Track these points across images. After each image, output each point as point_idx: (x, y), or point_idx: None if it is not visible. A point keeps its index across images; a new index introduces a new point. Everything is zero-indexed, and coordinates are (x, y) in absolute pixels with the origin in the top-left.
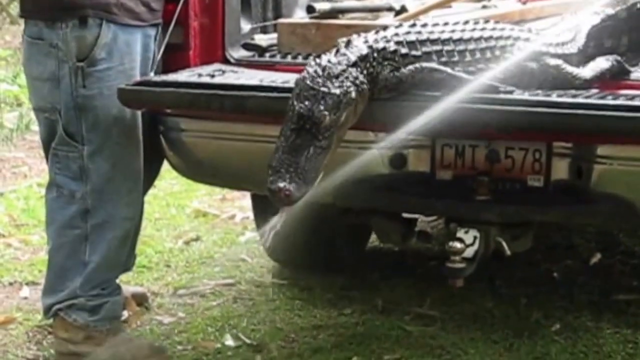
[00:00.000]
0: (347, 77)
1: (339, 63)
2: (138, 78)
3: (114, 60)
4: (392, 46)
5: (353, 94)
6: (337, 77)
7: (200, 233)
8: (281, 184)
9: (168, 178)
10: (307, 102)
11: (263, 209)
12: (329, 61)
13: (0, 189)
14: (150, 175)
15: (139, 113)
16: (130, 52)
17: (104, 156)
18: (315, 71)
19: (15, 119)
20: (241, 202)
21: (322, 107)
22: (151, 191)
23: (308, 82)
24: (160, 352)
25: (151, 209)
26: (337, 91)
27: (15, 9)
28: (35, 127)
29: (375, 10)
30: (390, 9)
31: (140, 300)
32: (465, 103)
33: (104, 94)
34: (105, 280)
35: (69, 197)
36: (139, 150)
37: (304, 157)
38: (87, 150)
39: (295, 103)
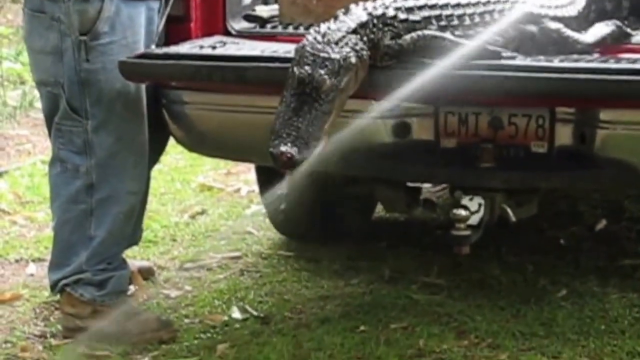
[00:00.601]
0: (346, 43)
1: (339, 30)
2: None
3: (117, 34)
4: (390, 12)
5: (353, 60)
6: (336, 43)
7: (205, 207)
8: (283, 148)
9: (173, 153)
10: (307, 67)
11: (268, 181)
12: (328, 28)
13: (4, 166)
14: (157, 150)
15: (143, 87)
16: (133, 26)
17: (108, 130)
18: (315, 38)
19: (19, 97)
20: (246, 176)
21: (322, 72)
22: (156, 166)
23: (308, 48)
24: (167, 326)
25: (156, 183)
26: (337, 56)
27: None
28: (38, 104)
29: None
30: None
31: (147, 274)
32: (468, 70)
33: (107, 68)
34: (111, 255)
35: (73, 171)
36: (143, 124)
37: (305, 121)
38: (91, 125)
39: (295, 69)
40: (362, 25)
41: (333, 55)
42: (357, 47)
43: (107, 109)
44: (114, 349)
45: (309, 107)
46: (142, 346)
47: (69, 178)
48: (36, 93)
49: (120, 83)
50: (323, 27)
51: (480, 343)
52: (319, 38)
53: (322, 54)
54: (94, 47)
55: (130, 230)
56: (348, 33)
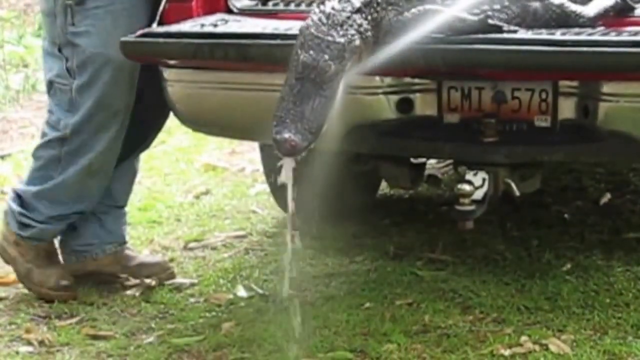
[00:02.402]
0: (351, 25)
1: (343, 10)
2: (133, 21)
3: (103, 0)
4: None
5: (357, 42)
6: (341, 25)
7: (210, 187)
8: (286, 135)
9: (177, 133)
10: (311, 52)
11: (272, 160)
12: (332, 8)
13: (8, 149)
14: (156, 126)
15: None
16: None
17: (90, 92)
18: (320, 19)
19: (21, 80)
20: (250, 155)
21: (326, 57)
22: (160, 147)
23: (312, 30)
24: (66, 289)
25: (161, 164)
26: (342, 40)
27: None
28: (41, 87)
29: None
30: None
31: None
32: (470, 44)
33: (91, 32)
34: (64, 212)
35: (55, 122)
36: (127, 91)
37: (309, 106)
38: (76, 84)
39: (299, 52)
40: (367, 4)
41: (338, 39)
42: (362, 29)
43: (91, 71)
44: (118, 329)
45: (313, 92)
46: (146, 325)
47: (51, 127)
48: (39, 76)
49: (104, 48)
50: (327, 6)
51: (486, 318)
52: (324, 19)
53: (327, 38)
54: (79, 11)
55: (94, 193)
56: (353, 13)
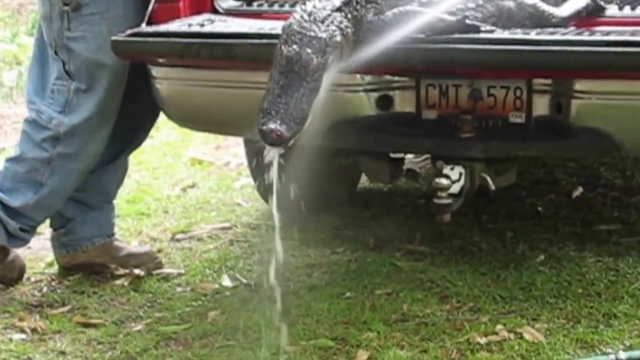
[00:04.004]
0: (332, 22)
1: (324, 8)
2: (127, 27)
3: (99, 7)
4: None
5: (338, 38)
6: (322, 21)
7: (196, 180)
8: (272, 125)
9: (165, 129)
10: (294, 46)
11: (256, 154)
12: (314, 7)
13: (2, 143)
14: (148, 125)
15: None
16: (116, 1)
17: (87, 95)
18: (302, 16)
19: (15, 77)
20: (235, 150)
21: (309, 51)
22: (149, 141)
23: (295, 26)
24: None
25: (149, 158)
26: (324, 35)
27: None
28: None
29: None
30: None
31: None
32: (449, 43)
33: (87, 37)
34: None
35: (46, 122)
36: (120, 93)
37: (294, 98)
38: (74, 86)
39: (283, 47)
40: (347, 3)
41: (320, 34)
42: (342, 25)
43: (88, 75)
44: (108, 317)
45: (296, 85)
46: (135, 314)
47: (40, 127)
48: None
49: (100, 53)
50: (309, 5)
51: (462, 307)
52: (306, 17)
53: (309, 33)
54: (75, 17)
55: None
56: (333, 11)
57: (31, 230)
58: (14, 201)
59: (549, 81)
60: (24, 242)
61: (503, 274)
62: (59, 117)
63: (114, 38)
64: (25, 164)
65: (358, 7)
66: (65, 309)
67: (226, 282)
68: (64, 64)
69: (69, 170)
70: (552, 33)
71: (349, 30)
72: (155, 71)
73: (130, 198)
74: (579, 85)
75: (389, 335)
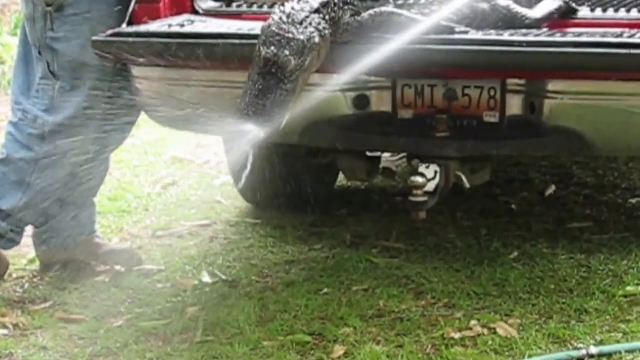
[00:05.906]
0: (310, 23)
1: (302, 10)
2: (110, 28)
3: (81, 7)
4: None
5: (316, 39)
6: (300, 23)
7: (176, 178)
8: (249, 125)
9: (145, 127)
10: (272, 47)
11: (235, 153)
12: (292, 8)
13: None
14: (130, 123)
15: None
16: (98, 1)
17: (71, 94)
18: (280, 18)
19: None
20: (215, 148)
21: (287, 52)
22: (129, 140)
23: (273, 28)
24: None
25: (130, 156)
26: (301, 37)
27: None
28: None
29: None
30: None
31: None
32: (423, 44)
33: (69, 37)
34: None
35: (31, 121)
36: (103, 92)
37: (271, 99)
38: (58, 85)
39: (261, 48)
40: (324, 5)
41: (298, 36)
42: (320, 27)
43: (72, 75)
44: (89, 312)
45: (274, 85)
46: (116, 309)
47: (26, 125)
48: None
49: (83, 53)
50: (287, 6)
51: (437, 303)
52: (284, 18)
53: (287, 35)
54: (58, 17)
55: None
56: (311, 12)
57: (21, 231)
58: (3, 203)
59: (522, 81)
60: (15, 243)
61: (477, 270)
62: (43, 115)
63: (94, 38)
64: (12, 165)
65: (335, 8)
66: (47, 304)
67: (205, 278)
68: (48, 63)
69: (55, 169)
70: (525, 34)
71: (326, 31)
72: (136, 71)
73: (111, 195)
74: (551, 86)
75: (365, 331)
